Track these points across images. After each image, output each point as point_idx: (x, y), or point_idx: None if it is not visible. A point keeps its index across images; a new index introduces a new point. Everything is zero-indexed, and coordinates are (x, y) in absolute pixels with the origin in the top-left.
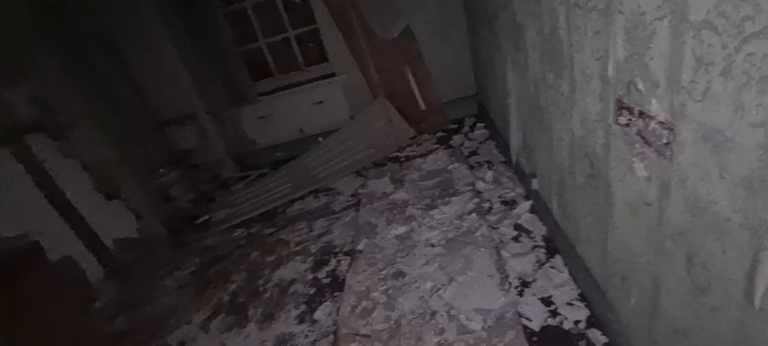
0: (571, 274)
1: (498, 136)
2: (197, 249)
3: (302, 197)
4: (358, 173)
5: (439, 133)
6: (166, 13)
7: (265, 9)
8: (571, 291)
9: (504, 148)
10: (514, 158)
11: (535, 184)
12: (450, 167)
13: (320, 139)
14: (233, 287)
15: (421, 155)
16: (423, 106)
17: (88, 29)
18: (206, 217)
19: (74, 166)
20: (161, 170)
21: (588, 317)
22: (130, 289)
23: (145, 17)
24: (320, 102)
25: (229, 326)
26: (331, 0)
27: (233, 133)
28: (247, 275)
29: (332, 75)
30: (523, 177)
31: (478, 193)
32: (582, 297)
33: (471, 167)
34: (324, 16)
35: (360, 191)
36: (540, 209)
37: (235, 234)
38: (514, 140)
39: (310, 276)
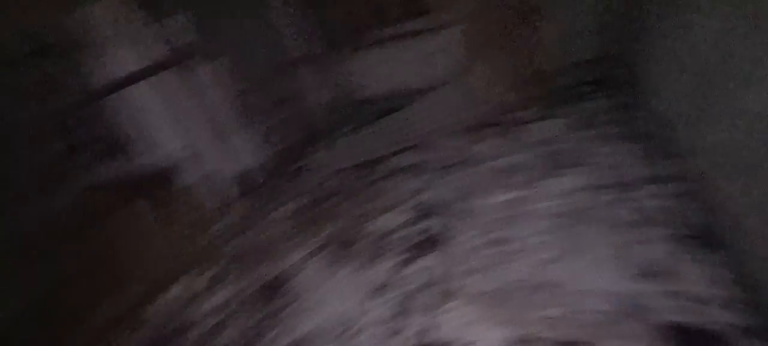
0: (720, 270)
1: (631, 104)
2: (305, 185)
3: (403, 150)
4: (464, 132)
5: (556, 96)
6: None
7: None
8: (717, 290)
9: (639, 118)
10: (658, 131)
11: (686, 163)
12: (569, 135)
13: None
14: (335, 228)
15: (535, 120)
16: (539, 66)
17: None
18: (316, 152)
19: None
20: (274, 108)
21: (744, 326)
22: (246, 215)
23: None
24: (431, 53)
25: (329, 264)
26: None
27: (343, 78)
28: (348, 219)
29: (443, 27)
30: (665, 154)
31: (601, 167)
32: (733, 300)
33: (593, 138)
34: None
35: (465, 151)
36: (682, 192)
37: (339, 177)
38: (665, 110)
39: (410, 229)
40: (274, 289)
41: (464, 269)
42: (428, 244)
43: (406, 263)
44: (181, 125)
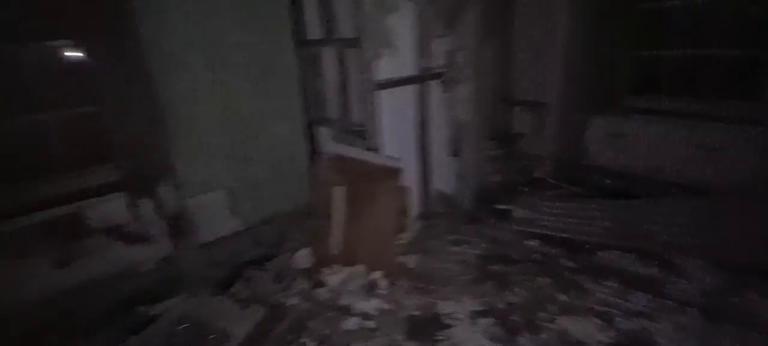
0: None
1: None
2: (488, 235)
3: (622, 250)
4: (726, 267)
5: None
6: None
7: (700, 14)
8: None
9: None
10: None
11: None
12: None
13: (674, 191)
14: (513, 299)
15: None
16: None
17: None
18: (508, 207)
19: (444, 118)
20: (491, 143)
21: None
22: (429, 238)
23: None
24: (710, 149)
25: (494, 338)
26: None
27: (570, 137)
28: (530, 297)
29: (755, 122)
30: None
31: None
32: None
33: None
34: None
35: (724, 295)
36: None
37: (530, 243)
38: None
39: None
40: (419, 325)
41: None
42: None
43: None
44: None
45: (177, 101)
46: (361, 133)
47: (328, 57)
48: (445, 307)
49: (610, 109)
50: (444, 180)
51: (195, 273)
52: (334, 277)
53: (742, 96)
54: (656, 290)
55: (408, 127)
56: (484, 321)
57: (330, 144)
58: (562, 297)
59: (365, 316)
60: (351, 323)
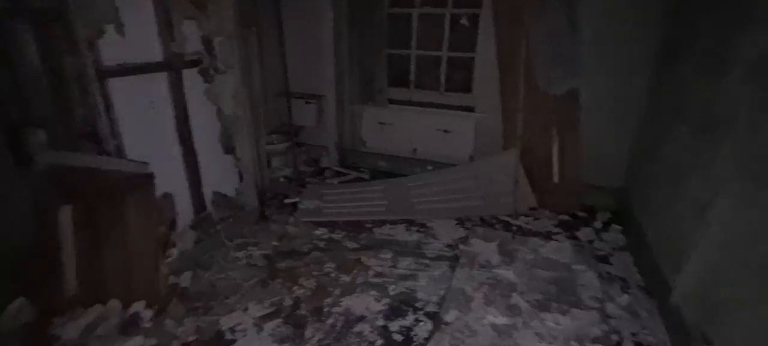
0: None
1: (642, 252)
2: (276, 232)
3: (394, 222)
4: (461, 223)
5: (563, 217)
6: None
7: (430, 21)
8: None
9: (649, 270)
10: (674, 301)
11: None
12: (574, 267)
13: (430, 167)
14: (299, 292)
15: (540, 235)
16: (556, 179)
17: None
18: (296, 200)
19: (210, 111)
20: (273, 136)
21: None
22: (207, 248)
23: None
24: (445, 131)
25: (281, 339)
26: (504, 33)
27: (348, 127)
28: (316, 286)
29: (470, 109)
30: (679, 329)
31: (606, 316)
32: None
33: (600, 278)
34: (487, 48)
35: (461, 246)
36: None
37: (317, 232)
38: (687, 281)
39: (381, 322)
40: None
41: None
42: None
43: None
44: None
45: None
46: (92, 135)
47: (19, 34)
48: (228, 322)
49: (375, 100)
50: (221, 180)
51: None
52: (72, 325)
53: (460, 89)
54: (417, 252)
55: (162, 124)
56: (271, 324)
57: (45, 153)
58: (346, 278)
59: None
60: None
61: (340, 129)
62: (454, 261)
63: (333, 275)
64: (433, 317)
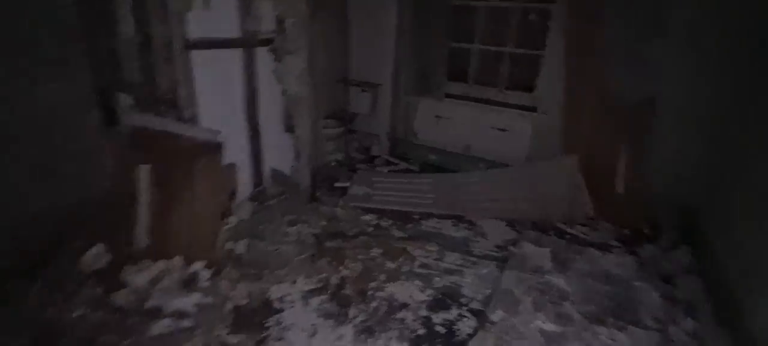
0: None
1: (715, 277)
2: (326, 214)
3: (441, 217)
4: (512, 225)
5: (624, 230)
6: None
7: (497, 15)
8: None
9: (721, 297)
10: (752, 334)
11: None
12: (635, 283)
13: (482, 165)
14: (345, 273)
15: (598, 246)
16: (620, 190)
17: None
18: (345, 184)
19: (276, 90)
20: (328, 121)
21: None
22: (262, 220)
23: None
24: (502, 129)
25: (326, 314)
26: (576, 30)
27: (402, 117)
28: (361, 269)
29: (530, 109)
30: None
31: (669, 340)
32: None
33: (664, 298)
34: (556, 47)
35: (511, 247)
36: None
37: (365, 217)
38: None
39: (424, 312)
40: (247, 315)
41: None
42: (440, 341)
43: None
44: None
45: None
46: (172, 102)
47: (122, 4)
48: (277, 291)
49: (432, 93)
50: (279, 158)
51: None
52: (139, 276)
53: (522, 87)
54: (464, 248)
55: (233, 98)
56: (317, 299)
57: (130, 115)
58: (391, 265)
59: (180, 315)
60: (161, 327)
61: (394, 119)
62: (502, 262)
63: (378, 260)
64: (478, 314)
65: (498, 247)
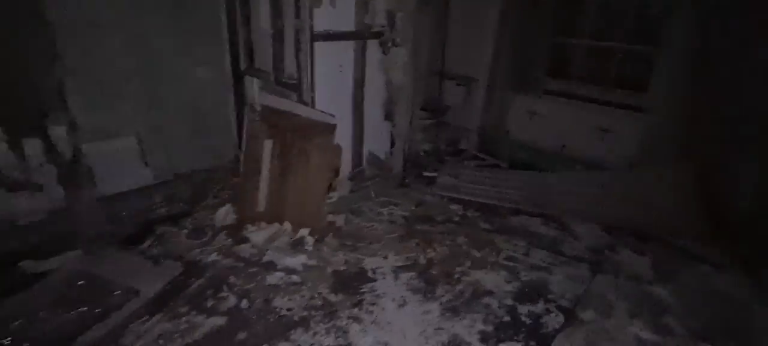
0: None
1: None
2: (416, 199)
3: (530, 214)
4: (608, 230)
5: (743, 250)
6: None
7: (611, 8)
8: None
9: None
10: None
11: None
12: (753, 307)
13: (578, 166)
14: (432, 255)
15: (709, 263)
16: (740, 205)
17: None
18: (434, 174)
19: (380, 80)
20: (422, 112)
21: None
22: (359, 198)
23: None
24: (605, 130)
25: (415, 289)
26: (709, 23)
27: (494, 113)
28: (448, 253)
29: (637, 109)
30: None
31: None
32: None
33: None
34: (679, 40)
35: (606, 252)
36: None
37: (452, 207)
38: None
39: (509, 301)
40: (345, 279)
41: None
42: (524, 330)
43: (496, 339)
44: None
45: (69, 23)
46: (294, 86)
47: (263, 2)
48: (370, 263)
49: (529, 89)
50: (376, 142)
51: (93, 228)
52: (258, 234)
53: (631, 86)
54: (554, 248)
55: (344, 85)
56: (406, 275)
57: (260, 94)
58: (477, 253)
59: (290, 271)
60: (275, 278)
61: (485, 114)
62: (596, 265)
63: (465, 247)
64: (567, 312)
65: (591, 250)
